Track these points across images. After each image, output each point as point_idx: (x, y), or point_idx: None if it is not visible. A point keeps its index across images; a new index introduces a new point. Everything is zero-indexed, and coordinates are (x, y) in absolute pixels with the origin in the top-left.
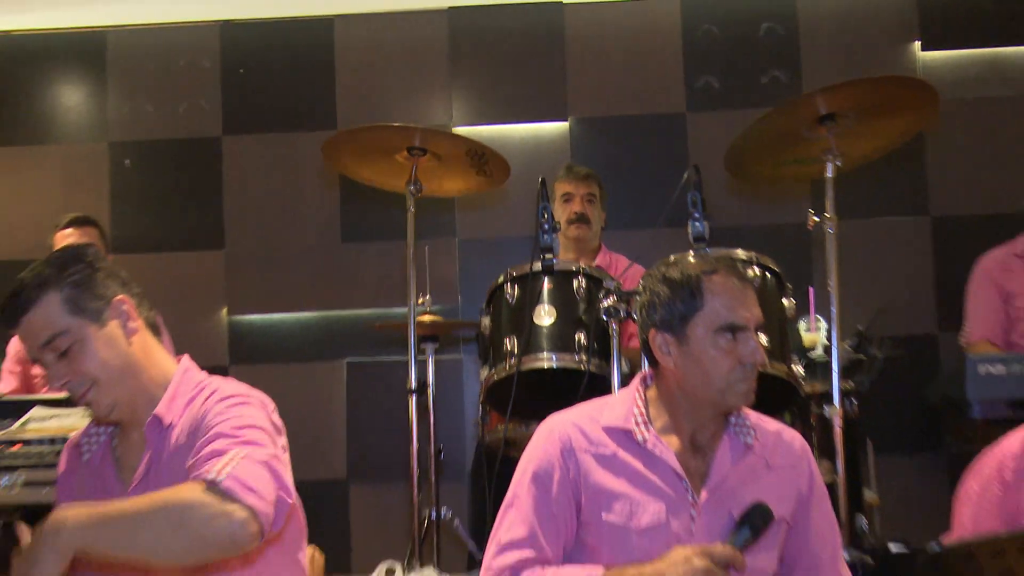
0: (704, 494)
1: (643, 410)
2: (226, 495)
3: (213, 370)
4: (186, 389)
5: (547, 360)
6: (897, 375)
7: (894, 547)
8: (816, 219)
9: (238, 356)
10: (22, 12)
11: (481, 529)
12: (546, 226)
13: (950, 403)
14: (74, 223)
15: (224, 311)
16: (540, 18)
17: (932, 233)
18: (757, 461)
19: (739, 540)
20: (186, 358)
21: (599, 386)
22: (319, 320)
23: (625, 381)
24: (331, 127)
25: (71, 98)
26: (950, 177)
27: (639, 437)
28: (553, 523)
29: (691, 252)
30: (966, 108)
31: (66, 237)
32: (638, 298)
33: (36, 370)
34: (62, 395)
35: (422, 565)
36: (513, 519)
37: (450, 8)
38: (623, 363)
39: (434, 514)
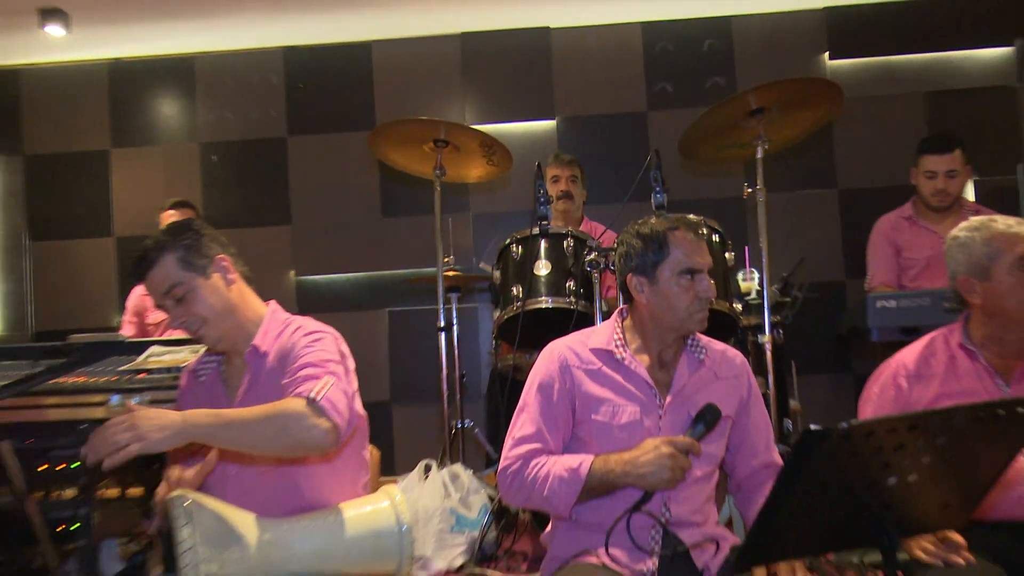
0: (668, 398)
1: (621, 336)
2: (320, 411)
3: None
4: (275, 325)
5: (545, 301)
6: (813, 311)
7: (813, 426)
8: (750, 191)
9: (304, 308)
10: (130, 43)
11: (495, 435)
12: (542, 199)
13: (855, 332)
14: (175, 205)
15: (292, 273)
16: (532, 40)
17: (839, 201)
18: (708, 373)
19: (696, 432)
20: (273, 302)
21: (585, 321)
22: (366, 278)
23: (605, 318)
24: (371, 128)
25: (169, 109)
26: (853, 158)
27: (618, 356)
28: (555, 423)
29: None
30: (865, 104)
31: (169, 216)
32: (616, 250)
33: (150, 319)
34: (174, 337)
35: (452, 463)
36: (524, 420)
37: (463, 33)
38: (603, 304)
39: (459, 424)
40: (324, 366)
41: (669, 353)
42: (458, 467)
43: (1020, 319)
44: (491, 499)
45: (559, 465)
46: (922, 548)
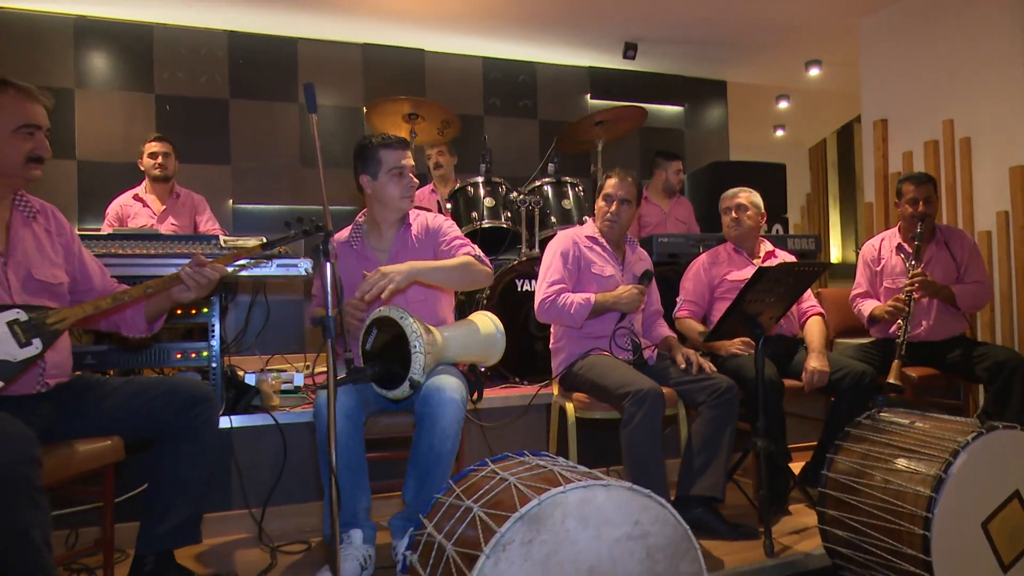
0: (625, 265)
1: (597, 230)
2: (481, 262)
3: None
4: (414, 212)
5: (489, 222)
6: None
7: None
8: (594, 168)
9: (239, 230)
10: (100, 5)
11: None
12: (488, 159)
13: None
14: (157, 138)
15: (230, 201)
16: (413, 57)
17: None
18: (637, 256)
19: (643, 283)
20: None
21: (515, 239)
22: (287, 210)
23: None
24: (294, 100)
25: (133, 65)
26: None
27: (599, 240)
28: (570, 274)
29: (616, 169)
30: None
31: (151, 146)
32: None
33: (130, 224)
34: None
35: None
36: (552, 272)
37: (364, 44)
38: (524, 230)
39: None
40: (464, 237)
41: (620, 242)
42: None
43: (750, 232)
44: None
45: (578, 297)
46: (735, 346)
